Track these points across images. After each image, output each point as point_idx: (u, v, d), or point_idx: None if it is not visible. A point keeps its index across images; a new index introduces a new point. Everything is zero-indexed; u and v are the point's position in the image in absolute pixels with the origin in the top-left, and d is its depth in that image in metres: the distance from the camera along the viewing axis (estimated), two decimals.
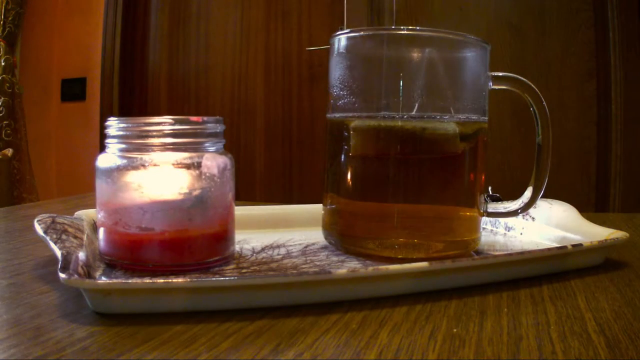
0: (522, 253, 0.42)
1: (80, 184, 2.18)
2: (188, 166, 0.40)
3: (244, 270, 0.41)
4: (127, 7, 2.16)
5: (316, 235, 0.51)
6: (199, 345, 0.29)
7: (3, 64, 2.17)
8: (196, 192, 0.40)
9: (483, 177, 0.48)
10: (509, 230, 0.56)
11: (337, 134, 0.47)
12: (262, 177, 2.02)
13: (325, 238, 0.49)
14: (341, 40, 0.47)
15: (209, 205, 0.40)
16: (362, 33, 0.47)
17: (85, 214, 0.49)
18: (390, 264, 0.37)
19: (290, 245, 0.49)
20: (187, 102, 2.14)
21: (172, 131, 0.40)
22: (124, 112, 2.16)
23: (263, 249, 0.47)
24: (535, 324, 0.32)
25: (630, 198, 1.56)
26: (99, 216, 0.41)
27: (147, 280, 0.32)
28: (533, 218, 0.55)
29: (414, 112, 0.44)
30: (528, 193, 0.48)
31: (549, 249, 0.42)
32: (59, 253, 0.36)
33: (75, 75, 2.31)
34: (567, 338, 0.30)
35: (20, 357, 0.26)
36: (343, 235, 0.47)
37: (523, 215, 0.55)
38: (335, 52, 0.48)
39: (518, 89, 0.48)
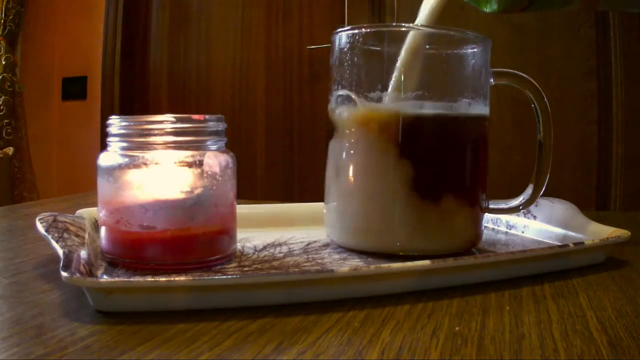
0: (524, 251, 0.42)
1: (81, 183, 2.18)
2: (190, 164, 0.40)
3: (245, 269, 0.41)
4: (128, 5, 2.16)
5: (318, 233, 0.51)
6: (201, 344, 0.28)
7: (4, 62, 2.17)
8: (198, 191, 0.40)
9: (484, 174, 0.48)
10: (510, 229, 0.56)
11: (338, 131, 0.47)
12: (263, 176, 2.02)
13: (327, 236, 0.49)
14: (342, 37, 0.47)
15: (210, 203, 0.40)
16: (363, 30, 0.47)
17: (86, 213, 0.49)
18: (392, 262, 0.37)
19: (292, 244, 0.49)
20: (188, 101, 2.14)
21: (173, 129, 0.40)
22: (124, 110, 2.16)
23: (265, 247, 0.47)
24: (537, 322, 0.32)
25: (632, 196, 1.56)
26: (101, 215, 0.41)
27: (149, 279, 0.32)
28: (534, 216, 0.55)
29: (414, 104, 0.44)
30: (529, 189, 0.48)
31: (551, 247, 0.42)
32: (60, 252, 0.36)
33: (76, 73, 2.31)
34: (569, 336, 0.30)
35: (22, 356, 0.26)
36: (344, 232, 0.47)
37: (525, 214, 0.55)
38: (337, 50, 0.48)
39: (519, 84, 0.48)
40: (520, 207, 0.49)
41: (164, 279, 0.32)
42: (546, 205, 0.55)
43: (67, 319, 0.31)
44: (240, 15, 2.04)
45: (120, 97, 2.17)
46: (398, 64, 0.45)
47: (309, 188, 1.92)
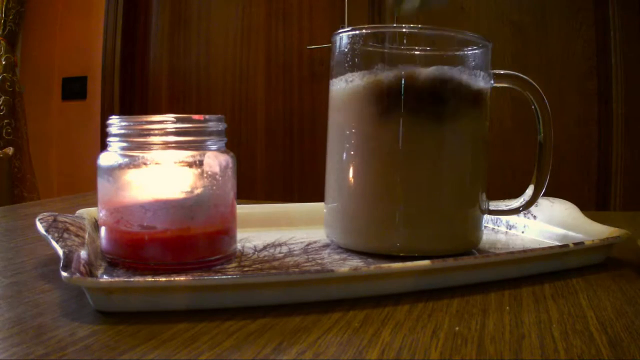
0: (524, 251, 0.42)
1: (81, 183, 2.18)
2: (190, 164, 0.40)
3: (245, 269, 0.41)
4: (128, 5, 2.16)
5: (318, 234, 0.51)
6: (201, 344, 0.28)
7: (4, 62, 2.17)
8: (198, 191, 0.40)
9: (485, 175, 0.48)
10: (510, 229, 0.56)
11: (338, 131, 0.47)
12: (263, 176, 2.02)
13: (327, 236, 0.49)
14: (343, 38, 0.47)
15: (210, 203, 0.40)
16: (364, 31, 0.47)
17: (86, 213, 0.49)
18: (392, 262, 0.37)
19: (292, 244, 0.49)
20: (188, 101, 2.14)
21: (174, 129, 0.40)
22: (124, 110, 2.16)
23: (265, 247, 0.47)
24: (537, 322, 0.32)
25: (632, 196, 1.56)
26: (101, 215, 0.41)
27: (149, 279, 0.32)
28: (535, 216, 0.55)
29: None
30: (530, 191, 0.48)
31: (551, 248, 0.42)
32: (60, 251, 0.36)
33: (76, 73, 2.31)
34: (569, 336, 0.30)
35: (22, 356, 0.26)
36: (344, 233, 0.47)
37: (525, 214, 0.55)
38: (337, 50, 0.48)
39: (519, 86, 0.48)
40: (521, 209, 0.49)
41: (164, 279, 0.32)
42: (546, 205, 0.55)
43: (67, 319, 0.31)
44: (240, 15, 2.04)
45: (120, 97, 2.17)
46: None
47: (309, 188, 1.92)
